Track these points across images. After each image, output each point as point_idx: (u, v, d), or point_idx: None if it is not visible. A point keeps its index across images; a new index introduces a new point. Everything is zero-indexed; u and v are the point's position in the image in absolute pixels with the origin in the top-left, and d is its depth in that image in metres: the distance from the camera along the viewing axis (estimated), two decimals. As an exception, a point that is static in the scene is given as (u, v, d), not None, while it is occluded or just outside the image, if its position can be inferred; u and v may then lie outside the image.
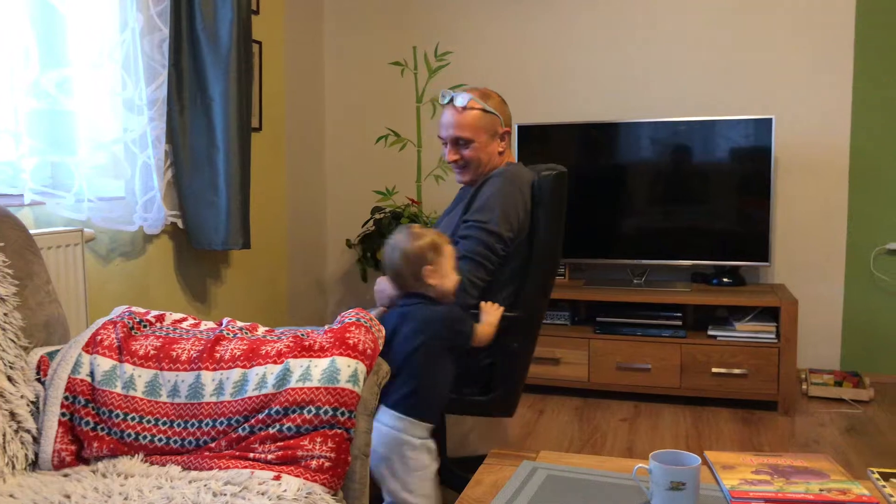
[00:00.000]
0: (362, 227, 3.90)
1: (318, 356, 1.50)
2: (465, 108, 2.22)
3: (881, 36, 3.50)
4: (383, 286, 2.11)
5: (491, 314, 2.05)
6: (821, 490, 1.35)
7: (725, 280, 3.57)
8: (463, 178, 2.30)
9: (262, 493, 1.33)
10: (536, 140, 3.70)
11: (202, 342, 1.58)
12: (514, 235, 2.14)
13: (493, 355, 2.15)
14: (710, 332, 3.35)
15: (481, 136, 2.23)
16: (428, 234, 1.97)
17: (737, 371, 3.24)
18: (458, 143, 2.24)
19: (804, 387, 3.45)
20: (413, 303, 1.95)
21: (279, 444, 1.44)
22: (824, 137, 3.61)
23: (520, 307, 2.16)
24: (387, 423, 1.82)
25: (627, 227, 3.63)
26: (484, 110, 2.23)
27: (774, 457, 1.51)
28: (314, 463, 1.41)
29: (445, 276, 1.96)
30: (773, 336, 3.24)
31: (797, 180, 3.66)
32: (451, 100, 2.25)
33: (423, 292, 1.96)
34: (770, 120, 3.39)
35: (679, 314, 3.45)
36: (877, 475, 1.43)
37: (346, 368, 1.47)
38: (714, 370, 3.27)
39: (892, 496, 1.34)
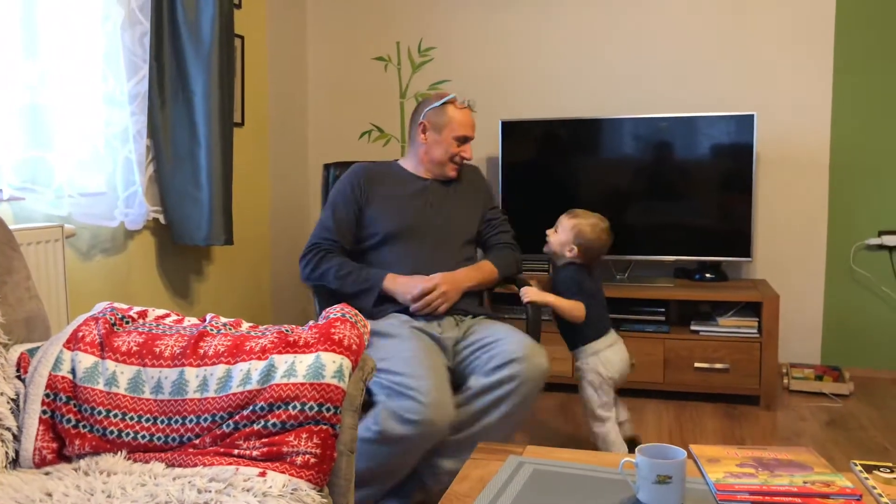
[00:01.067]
0: (346, 222, 3.88)
1: (303, 352, 1.49)
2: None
3: (861, 32, 3.53)
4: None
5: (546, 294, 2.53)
6: (805, 482, 1.36)
7: (708, 275, 3.60)
8: (454, 172, 2.51)
9: (248, 490, 1.32)
10: (519, 136, 3.71)
11: (185, 338, 1.57)
12: None
13: None
14: (693, 328, 3.37)
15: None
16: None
17: (719, 366, 3.26)
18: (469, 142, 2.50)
19: (785, 381, 3.48)
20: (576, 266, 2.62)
21: (264, 440, 1.43)
22: (805, 133, 3.64)
23: None
24: None
25: (610, 222, 3.63)
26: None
27: (758, 450, 1.52)
28: (299, 459, 1.40)
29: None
30: (754, 331, 3.27)
31: (778, 176, 3.68)
32: (471, 104, 2.52)
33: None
34: (752, 116, 3.41)
35: (662, 309, 3.46)
36: (859, 467, 1.44)
37: (332, 364, 1.47)
38: (697, 365, 3.29)
39: (874, 488, 1.36)
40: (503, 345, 2.13)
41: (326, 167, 2.78)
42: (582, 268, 2.57)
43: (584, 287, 2.54)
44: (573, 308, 2.50)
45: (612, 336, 2.56)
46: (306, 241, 2.43)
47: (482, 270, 2.43)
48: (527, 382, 2.08)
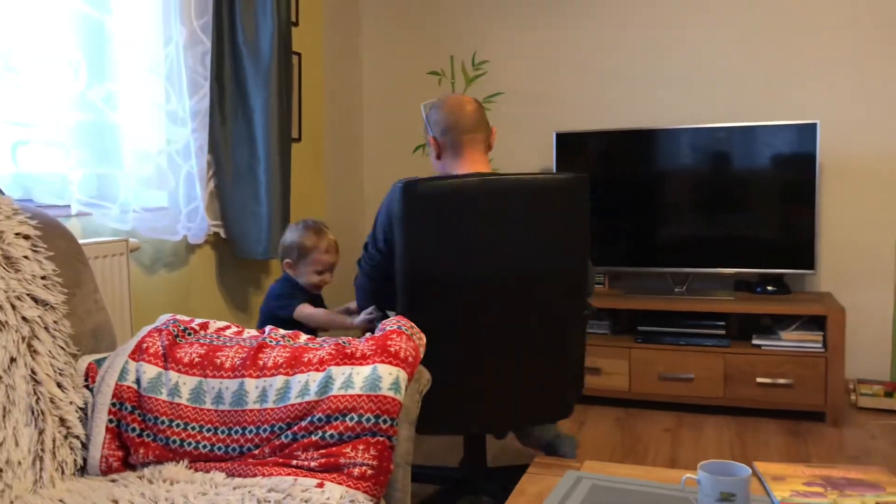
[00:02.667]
0: (400, 236, 3.91)
1: (360, 364, 1.50)
2: None
3: (930, 37, 3.42)
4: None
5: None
6: (877, 503, 1.30)
7: (770, 288, 3.50)
8: None
9: (306, 501, 1.33)
10: (574, 148, 3.68)
11: (245, 350, 1.59)
12: (384, 247, 2.15)
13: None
14: (755, 342, 3.28)
15: (428, 141, 2.30)
16: (307, 236, 2.51)
17: (782, 381, 3.17)
18: None
19: (853, 397, 3.36)
20: (283, 279, 2.59)
21: (322, 451, 1.44)
22: (870, 142, 3.53)
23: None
24: None
25: (668, 234, 3.59)
26: (425, 119, 2.29)
27: (827, 468, 1.47)
28: (357, 471, 1.41)
29: (301, 275, 2.55)
30: (819, 345, 3.17)
31: (843, 186, 3.58)
32: None
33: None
34: (814, 125, 3.32)
35: (722, 323, 3.39)
36: (935, 488, 1.38)
37: (388, 376, 1.47)
38: (759, 380, 3.20)
39: (952, 510, 1.30)
40: None
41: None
42: None
43: None
44: None
45: None
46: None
47: None
48: None
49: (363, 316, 2.35)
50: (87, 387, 1.58)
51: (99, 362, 1.62)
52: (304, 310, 2.52)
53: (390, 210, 2.09)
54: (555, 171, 3.70)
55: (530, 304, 2.09)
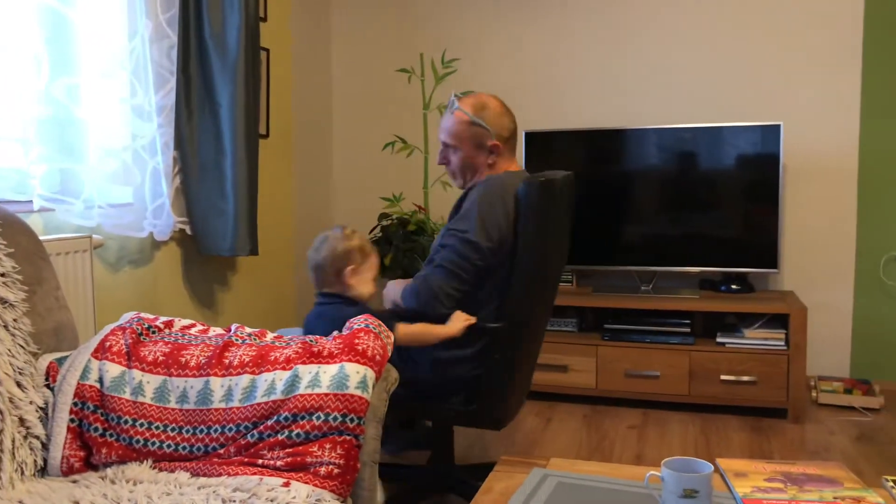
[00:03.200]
0: (370, 233, 3.90)
1: (327, 362, 1.49)
2: (456, 117, 2.24)
3: (890, 41, 3.49)
4: (391, 289, 2.15)
5: (455, 321, 2.02)
6: (834, 498, 1.33)
7: (734, 287, 3.56)
8: (454, 182, 2.33)
9: (272, 500, 1.32)
10: (542, 147, 3.70)
11: (211, 348, 1.58)
12: (495, 245, 2.08)
13: (479, 367, 2.12)
14: (719, 339, 3.33)
15: (466, 146, 2.23)
16: (357, 238, 2.01)
17: (746, 378, 3.22)
18: (447, 148, 2.27)
19: (814, 394, 3.42)
20: (330, 302, 1.98)
21: (288, 450, 1.43)
22: (833, 143, 3.60)
23: (503, 318, 2.08)
24: None
25: (635, 233, 3.62)
26: (471, 122, 2.21)
27: (787, 464, 1.50)
28: (323, 469, 1.40)
29: (364, 282, 1.99)
30: (782, 343, 3.22)
31: (806, 186, 3.64)
32: (451, 105, 2.27)
33: (340, 292, 1.97)
34: (778, 126, 3.38)
35: (688, 321, 3.43)
36: (891, 483, 1.41)
37: (356, 375, 1.47)
38: (723, 377, 3.25)
39: (906, 504, 1.33)
40: None
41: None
42: None
43: None
44: None
45: None
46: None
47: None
48: None
49: (461, 323, 2.02)
50: (48, 386, 1.56)
51: (60, 361, 1.59)
52: (406, 328, 1.96)
53: (510, 205, 2.08)
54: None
55: (553, 295, 2.36)
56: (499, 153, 2.24)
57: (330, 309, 1.95)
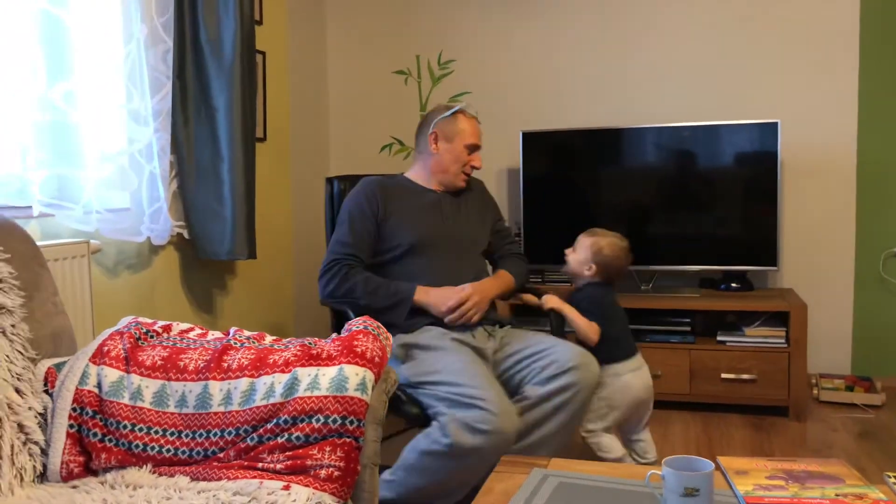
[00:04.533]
0: (368, 236, 3.90)
1: (326, 364, 1.49)
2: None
3: (886, 38, 3.49)
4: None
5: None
6: (836, 495, 1.33)
7: (734, 285, 3.55)
8: (465, 183, 2.52)
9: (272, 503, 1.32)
10: (540, 147, 3.70)
11: (209, 352, 1.57)
12: None
13: None
14: (720, 338, 3.33)
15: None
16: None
17: (746, 376, 3.22)
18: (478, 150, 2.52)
19: (815, 392, 3.42)
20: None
21: (288, 453, 1.43)
22: (831, 141, 3.60)
23: None
24: None
25: (634, 232, 3.61)
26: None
27: (788, 462, 1.49)
28: (323, 472, 1.40)
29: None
30: (782, 341, 3.22)
31: (804, 184, 3.64)
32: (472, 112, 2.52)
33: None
34: (776, 124, 3.38)
35: (688, 320, 3.43)
36: (893, 479, 1.41)
37: (355, 377, 1.46)
38: (724, 376, 3.25)
39: (908, 500, 1.33)
40: (555, 354, 2.16)
41: (329, 181, 2.75)
42: (601, 287, 2.54)
43: (604, 306, 2.50)
44: (588, 328, 2.44)
45: (636, 360, 2.50)
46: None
47: (503, 279, 2.45)
48: (583, 390, 2.14)
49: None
50: (46, 392, 1.55)
51: (59, 366, 1.59)
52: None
53: None
54: (521, 170, 3.71)
55: None
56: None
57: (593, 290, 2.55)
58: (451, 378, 2.01)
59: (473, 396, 1.94)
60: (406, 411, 2.06)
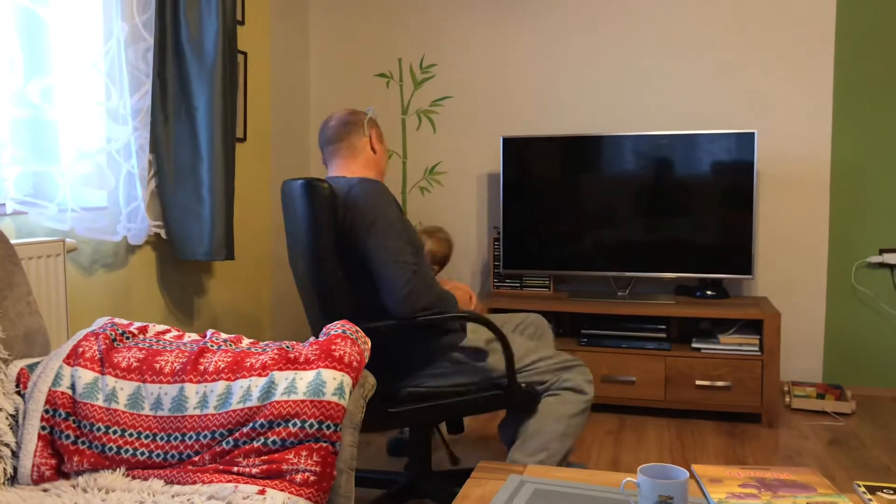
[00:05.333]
0: (347, 238, 3.88)
1: (304, 368, 1.48)
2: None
3: (860, 51, 3.55)
4: None
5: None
6: (808, 503, 1.35)
7: (709, 293, 3.59)
8: None
9: (247, 508, 1.31)
10: (520, 152, 3.71)
11: (186, 354, 1.56)
12: None
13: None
14: (695, 345, 3.36)
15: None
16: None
17: (720, 384, 3.25)
18: None
19: (787, 399, 3.46)
20: None
21: (264, 457, 1.42)
22: (806, 151, 3.65)
23: None
24: None
25: (611, 239, 3.64)
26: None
27: (761, 470, 1.51)
28: (299, 477, 1.39)
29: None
30: (756, 349, 3.26)
31: (779, 194, 3.69)
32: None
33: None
34: (752, 134, 3.42)
35: (664, 326, 3.46)
36: (863, 488, 1.43)
37: (332, 381, 1.46)
38: (698, 382, 3.28)
39: (877, 509, 1.35)
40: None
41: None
42: None
43: None
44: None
45: None
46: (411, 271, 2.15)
47: None
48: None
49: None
50: (18, 393, 1.53)
51: (31, 367, 1.57)
52: None
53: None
54: (501, 175, 3.72)
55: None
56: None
57: None
58: (543, 353, 2.30)
59: (566, 359, 2.30)
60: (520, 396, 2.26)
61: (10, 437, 1.47)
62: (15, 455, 1.47)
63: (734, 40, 3.70)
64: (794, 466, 1.54)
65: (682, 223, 3.55)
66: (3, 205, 2.20)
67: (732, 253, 3.49)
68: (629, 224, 3.62)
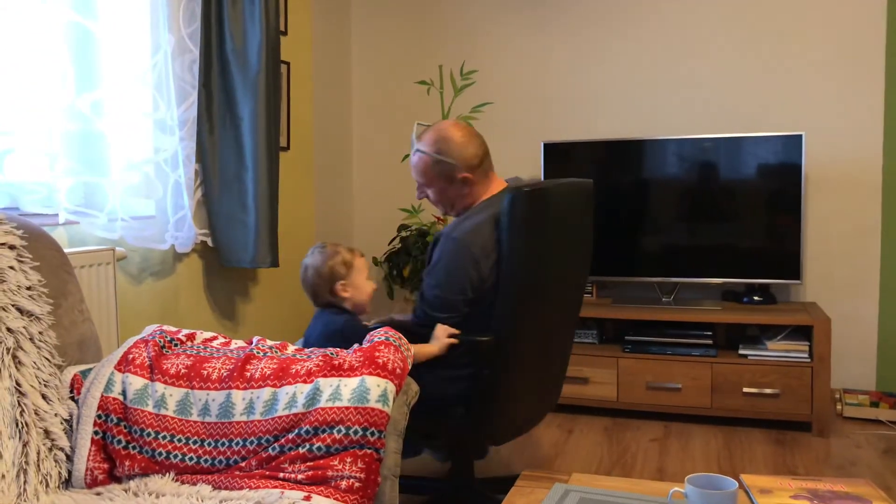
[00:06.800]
0: (389, 244, 3.91)
1: (348, 375, 1.50)
2: (418, 157, 2.21)
3: (914, 51, 3.46)
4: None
5: (438, 336, 2.02)
6: (862, 515, 1.31)
7: (756, 298, 3.52)
8: (440, 212, 2.36)
9: (293, 514, 1.32)
10: (561, 158, 3.69)
11: (232, 361, 1.59)
12: (471, 295, 2.06)
13: (468, 383, 2.09)
14: (742, 352, 3.29)
15: (437, 182, 2.20)
16: (340, 251, 2.10)
17: (769, 391, 3.19)
18: (420, 185, 2.25)
19: (839, 407, 3.38)
20: (328, 312, 2.11)
21: (309, 463, 1.43)
22: (856, 153, 3.56)
23: (490, 332, 2.04)
24: None
25: (655, 244, 3.60)
26: (435, 161, 2.17)
27: (813, 481, 1.48)
28: (344, 483, 1.40)
29: (358, 287, 2.10)
30: (805, 355, 3.18)
31: (828, 197, 3.60)
32: (412, 143, 2.25)
33: (340, 304, 2.10)
34: (800, 136, 3.35)
35: (709, 333, 3.40)
36: (920, 500, 1.39)
37: (376, 388, 1.47)
38: (745, 390, 3.21)
39: (936, 522, 1.31)
40: None
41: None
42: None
43: None
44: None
45: None
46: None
47: None
48: None
49: (445, 338, 2.03)
50: (72, 398, 1.57)
51: (84, 373, 1.60)
52: (421, 349, 1.96)
53: (479, 255, 2.05)
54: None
55: (575, 305, 2.36)
56: (471, 183, 2.19)
57: (323, 317, 2.11)
58: None
59: None
60: None
61: (64, 442, 1.51)
62: (69, 459, 1.51)
63: (781, 41, 3.63)
64: (847, 477, 1.49)
65: (727, 227, 3.50)
66: (57, 215, 2.26)
67: (780, 257, 3.42)
68: (673, 229, 3.57)
